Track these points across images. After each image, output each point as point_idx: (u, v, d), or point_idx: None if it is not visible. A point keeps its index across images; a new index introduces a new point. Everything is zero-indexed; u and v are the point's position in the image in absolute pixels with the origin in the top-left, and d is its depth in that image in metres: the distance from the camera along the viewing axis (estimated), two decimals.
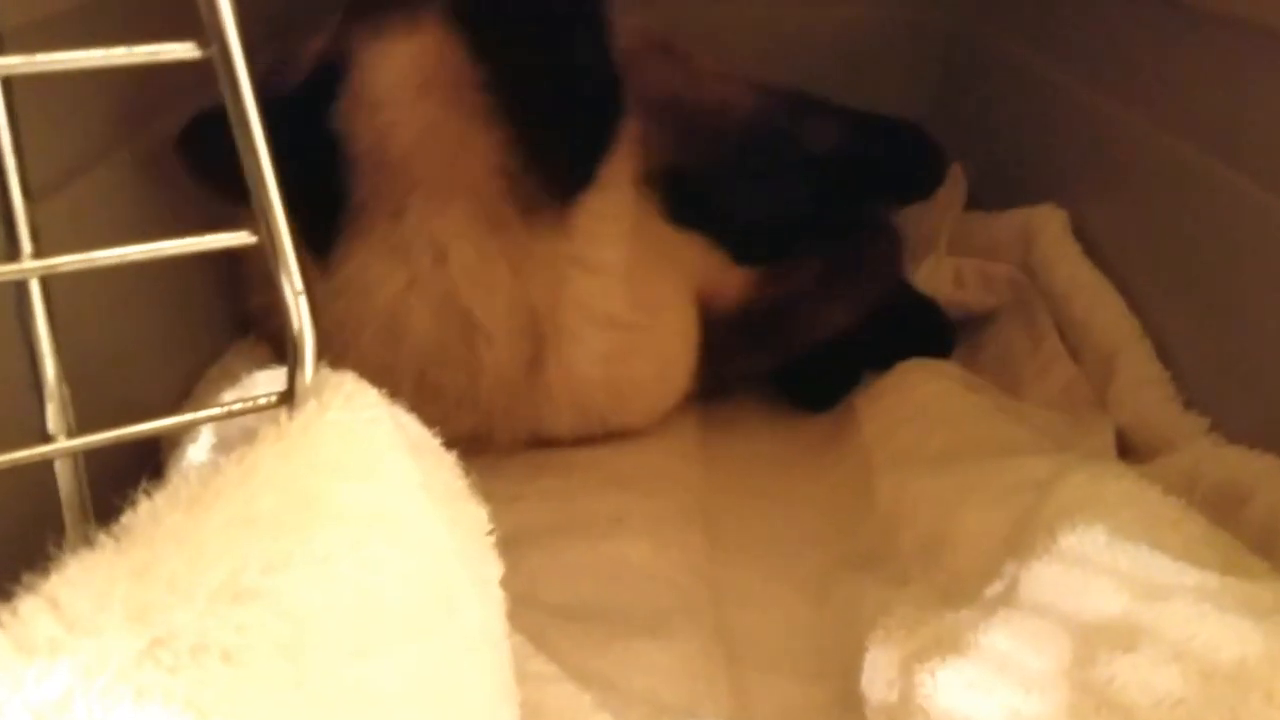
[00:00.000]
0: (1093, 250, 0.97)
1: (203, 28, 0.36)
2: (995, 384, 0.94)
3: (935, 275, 1.06)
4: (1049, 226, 1.00)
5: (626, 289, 0.89)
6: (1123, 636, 0.48)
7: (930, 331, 1.01)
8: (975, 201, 1.22)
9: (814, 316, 0.98)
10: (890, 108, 1.40)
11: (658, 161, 0.96)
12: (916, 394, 0.88)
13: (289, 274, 0.39)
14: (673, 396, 0.95)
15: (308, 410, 0.40)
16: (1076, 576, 0.52)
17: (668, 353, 0.94)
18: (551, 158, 0.81)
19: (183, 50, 0.36)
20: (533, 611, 0.68)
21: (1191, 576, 0.50)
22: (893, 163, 1.19)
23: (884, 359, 0.98)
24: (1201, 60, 0.84)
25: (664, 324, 0.92)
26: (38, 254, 0.36)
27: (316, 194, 0.79)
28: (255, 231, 0.38)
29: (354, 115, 0.81)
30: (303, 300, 0.40)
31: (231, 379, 0.84)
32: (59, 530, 0.39)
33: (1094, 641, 0.49)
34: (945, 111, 1.38)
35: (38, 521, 0.40)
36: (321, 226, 0.81)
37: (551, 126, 0.81)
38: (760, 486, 0.88)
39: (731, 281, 0.97)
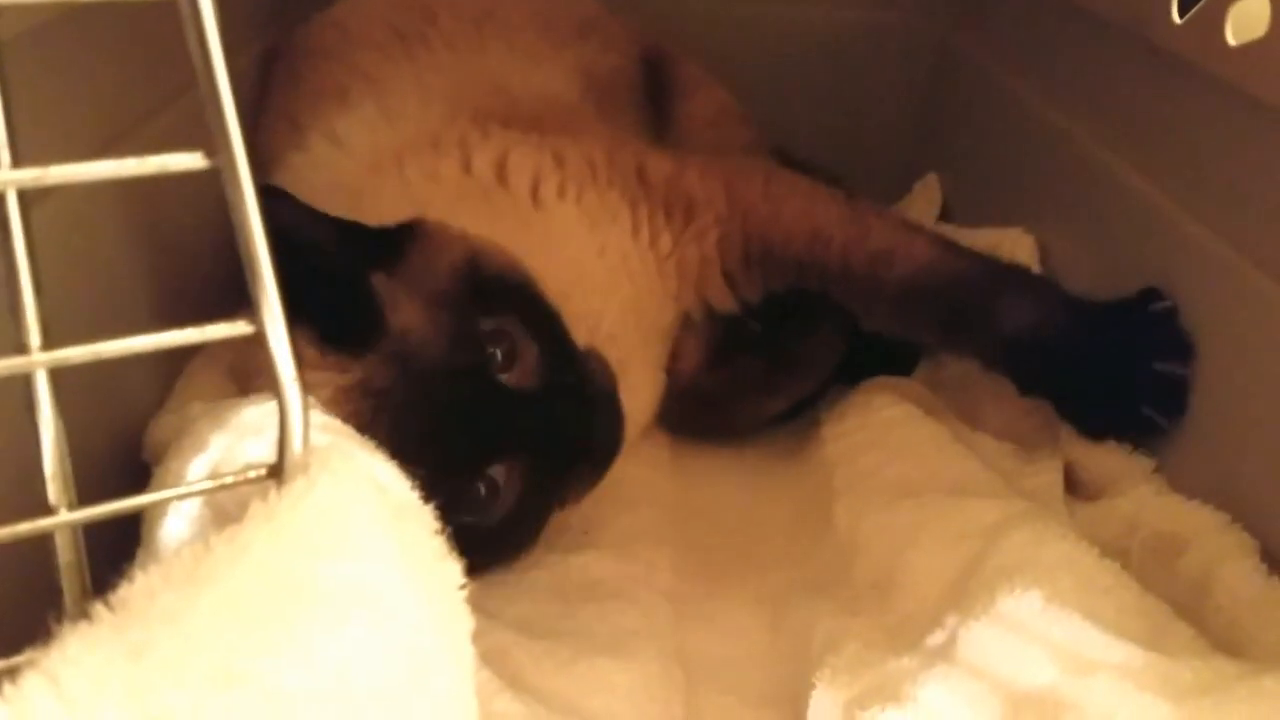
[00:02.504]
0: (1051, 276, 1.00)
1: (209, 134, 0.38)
2: (954, 404, 0.97)
3: None
4: (1018, 251, 1.03)
5: None
6: (1049, 708, 0.52)
7: (896, 348, 1.04)
8: (947, 213, 1.25)
9: (756, 405, 1.01)
10: (874, 111, 1.42)
11: (743, 296, 0.96)
12: (878, 417, 0.91)
13: (284, 360, 0.41)
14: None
15: (296, 488, 0.42)
16: (1012, 642, 0.56)
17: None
18: None
19: (191, 160, 0.38)
20: (499, 629, 0.71)
21: (1118, 652, 0.54)
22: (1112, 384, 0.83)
23: (850, 373, 1.01)
24: (1171, 108, 0.87)
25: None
26: (46, 347, 0.38)
27: None
28: (252, 321, 0.41)
29: None
30: (295, 384, 0.42)
31: (214, 370, 0.88)
32: (57, 596, 0.42)
33: (1022, 710, 0.53)
34: (927, 120, 1.40)
35: (37, 586, 0.42)
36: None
37: None
38: (727, 502, 0.92)
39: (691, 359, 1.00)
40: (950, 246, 0.94)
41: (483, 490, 0.75)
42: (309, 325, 0.70)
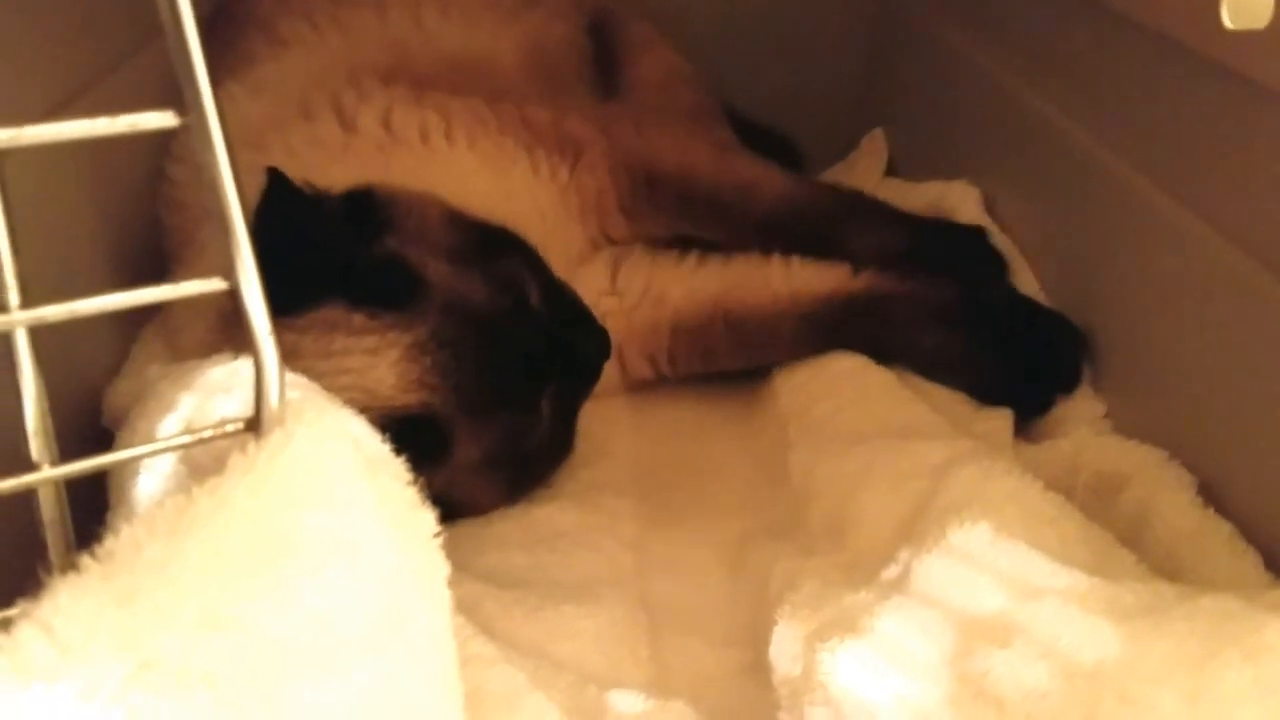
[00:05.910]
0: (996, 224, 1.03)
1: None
2: None
3: None
4: (964, 203, 1.05)
5: None
6: (999, 633, 0.54)
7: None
8: (894, 167, 1.27)
9: None
10: (820, 67, 1.44)
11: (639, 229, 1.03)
12: (830, 368, 0.93)
13: (259, 316, 0.42)
14: None
15: (274, 440, 0.43)
16: (962, 572, 0.58)
17: None
18: None
19: (162, 119, 0.38)
20: (469, 580, 0.73)
21: (1063, 578, 0.56)
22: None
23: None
24: (1109, 61, 0.89)
25: None
26: (25, 305, 0.39)
27: None
28: (227, 278, 0.42)
29: None
30: (270, 339, 0.43)
31: (170, 334, 0.88)
32: (39, 553, 0.43)
33: (974, 635, 0.55)
34: (873, 75, 1.42)
35: (18, 543, 0.43)
36: None
37: None
38: (685, 454, 0.94)
39: None
40: (803, 180, 1.07)
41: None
42: (338, 296, 0.74)
